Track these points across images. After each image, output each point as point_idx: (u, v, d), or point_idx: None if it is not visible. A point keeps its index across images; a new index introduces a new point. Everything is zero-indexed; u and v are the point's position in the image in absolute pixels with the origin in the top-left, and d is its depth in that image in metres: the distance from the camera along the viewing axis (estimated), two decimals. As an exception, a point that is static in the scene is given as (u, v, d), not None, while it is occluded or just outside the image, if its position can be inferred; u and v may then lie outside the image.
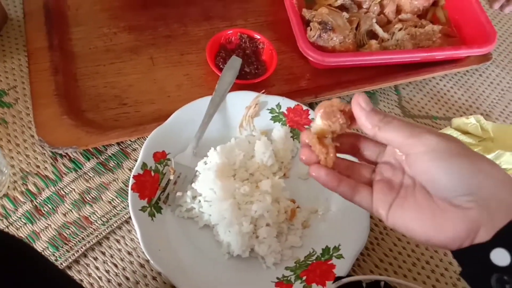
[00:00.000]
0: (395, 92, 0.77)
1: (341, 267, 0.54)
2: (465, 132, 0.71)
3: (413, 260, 0.60)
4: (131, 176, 0.56)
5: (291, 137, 0.64)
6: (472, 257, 0.35)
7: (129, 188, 0.55)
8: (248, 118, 0.65)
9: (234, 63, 0.68)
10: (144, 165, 0.58)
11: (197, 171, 0.59)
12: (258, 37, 0.73)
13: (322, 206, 0.60)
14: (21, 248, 0.40)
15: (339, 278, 0.51)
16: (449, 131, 0.71)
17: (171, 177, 0.58)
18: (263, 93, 0.65)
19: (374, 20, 0.78)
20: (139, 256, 0.57)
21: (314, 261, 0.55)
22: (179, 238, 0.56)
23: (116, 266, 0.56)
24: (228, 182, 0.57)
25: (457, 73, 0.81)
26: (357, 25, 0.77)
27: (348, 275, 0.53)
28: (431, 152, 0.36)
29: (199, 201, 0.58)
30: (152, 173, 0.58)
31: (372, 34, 0.78)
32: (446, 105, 0.77)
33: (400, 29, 0.78)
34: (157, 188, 0.57)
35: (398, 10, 0.82)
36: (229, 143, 0.61)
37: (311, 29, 0.72)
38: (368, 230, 0.56)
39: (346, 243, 0.55)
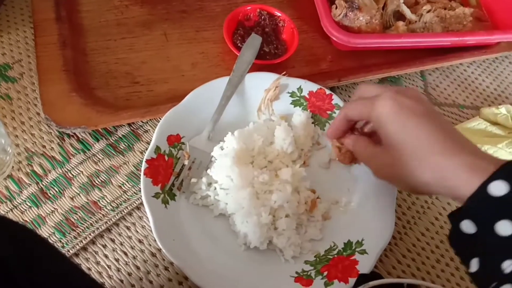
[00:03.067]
0: (421, 78, 0.73)
1: (364, 264, 0.50)
2: (494, 123, 0.67)
3: (436, 257, 0.57)
4: (144, 160, 0.53)
5: (313, 123, 0.61)
6: None
7: (142, 173, 0.52)
8: (267, 102, 0.61)
9: (254, 41, 0.64)
10: (157, 148, 0.54)
11: (212, 156, 0.56)
12: (279, 14, 0.69)
13: (344, 197, 0.56)
14: (25, 235, 0.37)
15: (363, 275, 0.48)
16: (477, 121, 0.67)
17: (186, 162, 0.55)
18: (284, 75, 0.61)
19: (402, 0, 0.73)
20: (150, 245, 0.54)
21: (336, 255, 0.52)
22: (193, 227, 0.53)
23: (126, 254, 0.53)
24: (246, 169, 0.54)
25: (486, 60, 0.77)
26: (383, 5, 0.72)
27: (372, 272, 0.51)
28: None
29: (215, 189, 0.54)
30: (166, 158, 0.55)
31: (399, 15, 0.73)
32: (473, 93, 0.73)
33: (428, 11, 0.73)
34: (171, 174, 0.54)
35: (427, -10, 0.77)
36: (247, 128, 0.58)
37: (336, 8, 0.67)
38: (393, 225, 0.53)
39: (370, 238, 0.52)
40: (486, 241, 0.38)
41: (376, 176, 0.48)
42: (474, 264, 0.39)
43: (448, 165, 0.40)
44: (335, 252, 0.52)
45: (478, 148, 0.42)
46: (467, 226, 0.39)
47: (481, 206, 0.38)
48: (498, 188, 0.37)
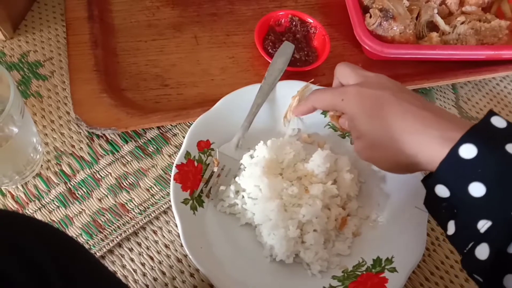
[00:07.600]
0: (452, 91, 0.72)
1: (394, 282, 0.49)
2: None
3: (465, 276, 0.56)
4: (174, 165, 0.52)
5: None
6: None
7: (172, 178, 0.51)
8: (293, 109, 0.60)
9: (287, 49, 0.63)
10: (187, 154, 0.54)
11: (241, 164, 0.55)
12: (311, 21, 0.68)
13: (373, 213, 0.55)
14: (63, 238, 0.37)
15: (393, 293, 0.47)
16: (511, 138, 0.65)
17: (215, 169, 0.54)
18: (311, 82, 0.60)
19: (436, 11, 0.72)
20: (176, 250, 0.53)
21: (364, 272, 0.51)
22: (219, 234, 0.52)
23: (152, 259, 0.53)
24: (275, 180, 0.53)
25: (519, 74, 0.75)
26: (417, 15, 0.71)
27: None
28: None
29: (243, 197, 0.54)
30: (196, 163, 0.54)
31: (432, 26, 0.72)
32: (506, 108, 0.72)
33: (462, 23, 0.71)
34: (200, 180, 0.54)
35: (461, 1, 0.75)
36: (281, 139, 0.56)
37: (370, 16, 0.66)
38: (424, 242, 0.52)
39: (400, 255, 0.51)
40: (460, 203, 0.39)
41: (359, 156, 0.49)
42: (451, 227, 0.40)
43: (422, 140, 0.41)
44: (364, 268, 0.51)
45: (450, 116, 0.43)
46: (441, 190, 0.40)
47: (453, 170, 0.38)
48: (467, 151, 0.37)
